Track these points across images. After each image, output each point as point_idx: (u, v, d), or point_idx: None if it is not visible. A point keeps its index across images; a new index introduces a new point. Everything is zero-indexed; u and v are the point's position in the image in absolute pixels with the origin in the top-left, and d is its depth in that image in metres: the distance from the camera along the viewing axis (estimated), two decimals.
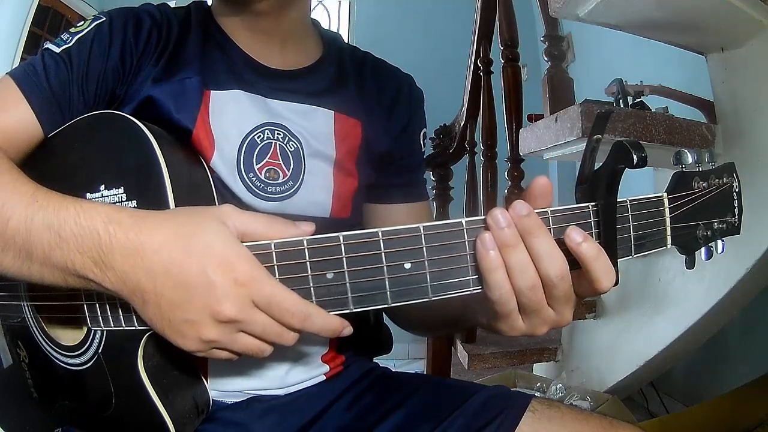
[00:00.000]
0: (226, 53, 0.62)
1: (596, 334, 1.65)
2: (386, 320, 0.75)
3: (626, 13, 1.14)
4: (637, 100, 1.42)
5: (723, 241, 0.48)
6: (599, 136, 0.42)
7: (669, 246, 0.45)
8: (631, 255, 0.44)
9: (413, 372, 0.73)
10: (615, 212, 0.42)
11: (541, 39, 1.65)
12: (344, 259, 0.40)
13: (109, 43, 0.56)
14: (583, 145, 0.48)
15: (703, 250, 0.47)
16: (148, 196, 0.47)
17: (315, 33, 0.70)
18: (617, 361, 1.55)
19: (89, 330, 0.52)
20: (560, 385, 1.56)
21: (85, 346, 0.53)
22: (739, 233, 0.49)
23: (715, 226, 0.47)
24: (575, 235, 0.40)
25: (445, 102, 2.10)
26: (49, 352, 0.56)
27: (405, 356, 2.93)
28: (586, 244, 0.40)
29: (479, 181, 1.83)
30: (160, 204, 0.47)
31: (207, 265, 0.39)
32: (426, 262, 0.40)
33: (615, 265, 0.41)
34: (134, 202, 0.48)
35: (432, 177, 2.01)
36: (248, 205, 0.58)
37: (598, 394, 1.52)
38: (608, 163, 0.41)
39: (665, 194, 0.45)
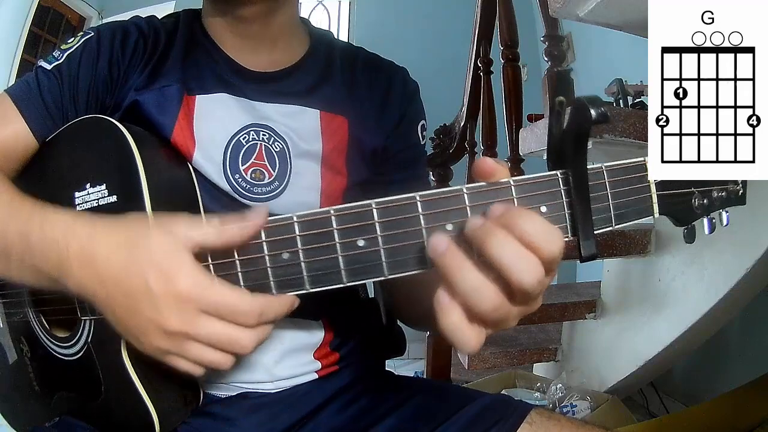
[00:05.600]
0: (212, 58, 0.63)
1: (596, 334, 1.66)
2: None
3: (626, 13, 1.13)
4: (637, 100, 1.43)
5: (727, 212, 0.42)
6: (562, 98, 0.38)
7: (657, 215, 0.40)
8: (611, 225, 0.39)
9: (413, 375, 0.72)
10: (586, 177, 0.37)
11: (541, 39, 1.64)
12: (298, 238, 0.39)
13: (97, 56, 0.59)
14: None
15: (705, 222, 0.41)
16: (126, 191, 0.50)
17: (304, 32, 0.69)
18: (617, 361, 1.55)
19: (80, 320, 0.53)
20: (560, 385, 1.57)
21: (77, 336, 0.55)
22: (744, 203, 0.42)
23: (715, 194, 0.41)
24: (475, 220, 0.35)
25: (445, 102, 2.10)
26: (47, 344, 0.58)
27: (405, 356, 2.93)
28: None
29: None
30: (136, 198, 0.49)
31: (148, 275, 0.39)
32: (379, 239, 0.38)
33: (592, 237, 0.37)
34: (114, 197, 0.51)
35: (432, 177, 2.01)
36: (235, 206, 0.59)
37: (598, 394, 1.52)
38: (570, 125, 0.37)
39: (647, 158, 0.39)
